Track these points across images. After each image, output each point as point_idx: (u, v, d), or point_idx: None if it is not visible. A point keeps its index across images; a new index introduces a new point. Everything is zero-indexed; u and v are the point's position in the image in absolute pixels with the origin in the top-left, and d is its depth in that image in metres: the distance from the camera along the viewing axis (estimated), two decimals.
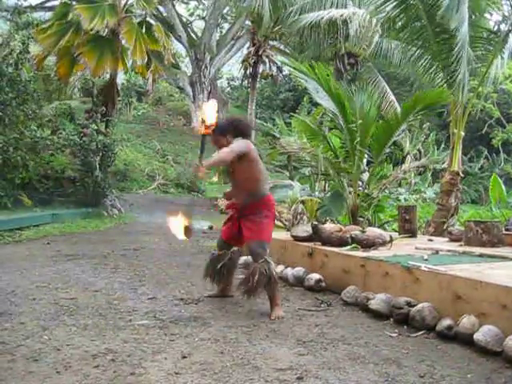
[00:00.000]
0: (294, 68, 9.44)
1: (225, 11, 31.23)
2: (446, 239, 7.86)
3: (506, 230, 7.88)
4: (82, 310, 4.97)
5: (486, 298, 4.23)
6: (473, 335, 4.06)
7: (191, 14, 36.00)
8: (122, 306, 5.20)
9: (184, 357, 3.74)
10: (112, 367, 3.52)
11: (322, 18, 14.66)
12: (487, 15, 10.19)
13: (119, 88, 18.50)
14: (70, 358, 3.67)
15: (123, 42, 15.07)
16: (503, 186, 14.44)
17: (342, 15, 14.46)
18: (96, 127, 14.67)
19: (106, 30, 15.09)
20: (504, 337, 3.92)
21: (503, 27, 9.94)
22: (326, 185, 11.93)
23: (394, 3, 9.60)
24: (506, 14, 9.63)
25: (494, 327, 4.02)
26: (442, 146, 25.76)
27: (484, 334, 4.00)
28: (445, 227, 9.35)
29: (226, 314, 4.96)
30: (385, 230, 9.09)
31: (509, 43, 9.58)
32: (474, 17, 9.32)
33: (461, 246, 6.92)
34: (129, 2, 15.62)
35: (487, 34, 10.14)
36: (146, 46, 14.93)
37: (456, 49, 8.68)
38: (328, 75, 8.78)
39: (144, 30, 15.44)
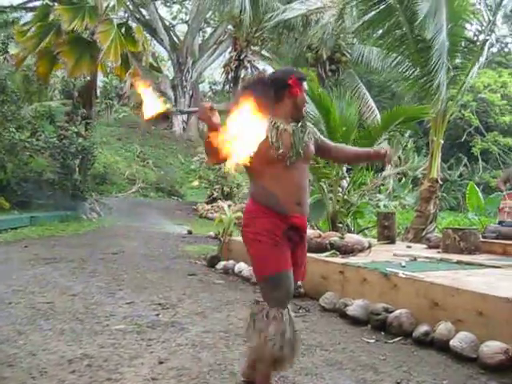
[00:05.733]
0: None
1: (208, 15, 31.23)
2: (425, 246, 7.92)
3: (484, 237, 7.97)
4: (58, 315, 4.92)
5: (462, 304, 4.27)
6: (449, 341, 4.10)
7: (174, 18, 36.00)
8: (99, 310, 5.16)
9: (161, 362, 3.72)
10: (88, 372, 3.50)
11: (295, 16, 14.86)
12: (467, 25, 10.30)
13: (100, 90, 18.41)
14: (45, 364, 3.63)
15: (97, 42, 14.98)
16: (480, 194, 14.60)
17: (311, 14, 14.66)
18: (76, 130, 14.57)
19: (87, 32, 15.04)
20: (479, 343, 3.96)
21: (482, 37, 10.04)
22: None
23: (376, 11, 9.69)
24: (484, 24, 9.72)
25: (469, 334, 4.06)
26: (423, 152, 25.94)
27: (460, 340, 4.03)
28: (423, 234, 9.41)
29: (204, 319, 4.95)
30: (364, 236, 9.14)
31: (486, 52, 9.71)
32: (452, 26, 9.41)
33: (439, 252, 6.99)
34: (111, 4, 15.58)
35: (466, 43, 10.25)
36: (122, 48, 14.87)
37: (434, 57, 8.78)
38: (311, 80, 8.83)
39: (124, 32, 15.39)
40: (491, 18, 9.77)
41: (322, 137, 3.51)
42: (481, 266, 5.95)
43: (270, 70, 28.81)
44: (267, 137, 3.03)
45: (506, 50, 36.75)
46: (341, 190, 9.30)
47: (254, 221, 3.15)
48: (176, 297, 5.89)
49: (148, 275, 7.25)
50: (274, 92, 3.18)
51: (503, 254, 7.49)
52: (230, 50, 23.57)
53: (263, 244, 3.07)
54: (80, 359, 3.74)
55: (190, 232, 12.69)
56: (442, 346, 4.16)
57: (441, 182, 10.16)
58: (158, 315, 5.07)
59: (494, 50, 35.08)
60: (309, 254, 6.30)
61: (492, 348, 3.84)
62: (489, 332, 4.01)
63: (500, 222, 8.76)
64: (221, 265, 7.88)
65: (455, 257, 6.42)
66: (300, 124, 3.26)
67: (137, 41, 15.14)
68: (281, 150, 3.08)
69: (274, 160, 3.07)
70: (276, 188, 3.08)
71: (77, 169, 14.28)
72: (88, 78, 16.16)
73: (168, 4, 35.19)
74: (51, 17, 14.66)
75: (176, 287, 6.38)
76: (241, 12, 17.64)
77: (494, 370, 3.76)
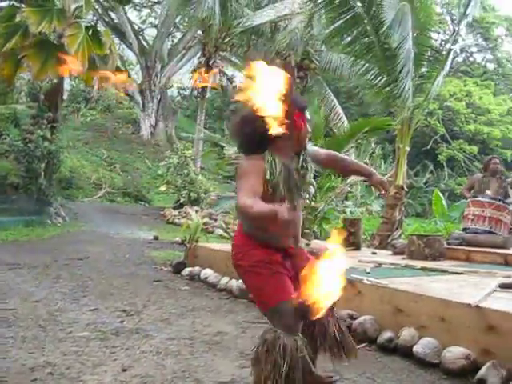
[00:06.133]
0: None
1: (177, 20, 31.12)
2: (390, 252, 8.00)
3: (448, 243, 8.08)
4: (21, 322, 4.85)
5: (425, 310, 4.32)
6: (412, 347, 4.14)
7: (143, 22, 35.75)
8: (62, 317, 5.10)
9: (124, 369, 3.69)
10: (50, 381, 3.45)
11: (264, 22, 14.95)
12: (434, 34, 10.48)
13: (67, 93, 18.22)
14: (6, 372, 3.57)
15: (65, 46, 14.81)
16: (444, 201, 14.80)
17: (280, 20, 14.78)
18: (41, 133, 14.38)
19: (54, 34, 14.86)
20: (442, 349, 4.02)
21: (448, 46, 10.22)
22: None
23: (344, 18, 9.78)
24: (449, 33, 9.92)
25: (432, 339, 4.11)
26: (390, 159, 26.22)
27: (423, 346, 4.08)
28: (389, 240, 9.51)
29: (169, 326, 4.92)
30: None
31: (451, 61, 9.87)
32: (418, 35, 9.55)
33: (404, 259, 7.07)
34: (80, 7, 15.41)
35: (432, 52, 10.41)
36: (90, 51, 14.73)
37: (400, 65, 8.90)
38: None
39: (91, 35, 15.22)
40: (456, 27, 9.94)
41: (314, 148, 3.37)
42: (444, 272, 6.04)
43: (238, 75, 28.92)
44: (268, 179, 2.91)
45: (471, 59, 37.41)
46: (308, 196, 9.35)
47: (247, 253, 3.04)
48: (141, 303, 5.85)
49: (113, 281, 7.18)
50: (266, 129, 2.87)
51: (466, 260, 7.61)
52: (198, 55, 23.55)
53: (260, 275, 2.97)
54: (42, 367, 3.69)
55: (156, 238, 12.60)
56: (405, 352, 4.20)
57: (407, 189, 10.28)
58: (122, 322, 5.02)
59: (460, 59, 35.72)
60: None
61: (454, 353, 3.89)
62: (451, 338, 4.06)
63: (464, 229, 8.88)
64: (187, 271, 7.84)
65: (420, 263, 6.50)
66: (302, 158, 3.12)
67: (104, 44, 14.99)
68: (282, 194, 2.92)
69: (276, 202, 2.81)
70: (275, 227, 2.81)
71: (42, 173, 14.07)
72: (55, 80, 15.96)
73: (137, 8, 34.99)
74: (18, 18, 14.45)
75: (141, 293, 6.33)
76: (210, 17, 17.66)
77: (456, 375, 3.82)
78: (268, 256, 3.00)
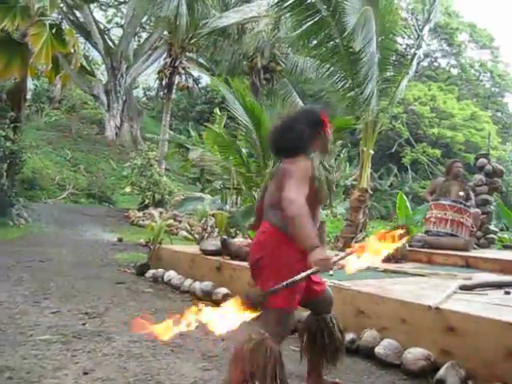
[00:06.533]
0: (215, 80, 9.53)
1: (143, 20, 30.94)
2: None
3: (410, 246, 8.19)
4: None
5: (386, 312, 4.38)
6: (374, 349, 4.19)
7: (109, 21, 35.42)
8: (23, 320, 5.02)
9: (85, 373, 3.66)
10: None
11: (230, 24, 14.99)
12: (400, 39, 10.60)
13: (30, 93, 17.95)
14: None
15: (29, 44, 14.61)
16: (408, 204, 14.93)
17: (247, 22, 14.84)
18: (4, 133, 14.15)
19: (17, 33, 14.66)
20: (403, 350, 4.07)
21: (412, 51, 10.36)
22: (239, 198, 11.98)
23: (310, 22, 9.82)
24: (413, 38, 10.05)
25: (393, 341, 4.16)
26: (355, 162, 26.43)
27: (384, 347, 4.13)
28: (353, 243, 9.57)
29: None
30: None
31: (416, 66, 10.01)
32: (383, 39, 9.65)
33: None
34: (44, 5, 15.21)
35: (397, 56, 10.52)
36: (54, 50, 14.56)
37: (364, 69, 8.97)
38: (244, 89, 8.87)
39: (54, 33, 15.04)
40: (420, 32, 10.07)
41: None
42: (406, 274, 6.12)
43: (204, 77, 28.88)
44: (316, 179, 3.12)
45: (435, 64, 37.99)
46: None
47: (276, 251, 3.09)
48: (103, 306, 5.80)
49: (75, 284, 7.10)
50: (310, 130, 3.22)
51: (428, 262, 7.73)
52: (164, 56, 23.45)
53: (282, 278, 2.93)
54: (1, 371, 3.62)
55: (120, 239, 12.51)
56: (367, 354, 4.25)
57: (371, 192, 10.36)
58: (84, 324, 4.97)
59: (425, 64, 36.24)
60: (238, 263, 6.36)
61: (415, 354, 3.95)
62: (412, 339, 4.12)
63: (426, 232, 9.01)
64: (150, 273, 7.80)
65: (382, 265, 6.57)
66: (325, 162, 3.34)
67: (67, 42, 14.83)
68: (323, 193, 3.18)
69: (319, 202, 3.22)
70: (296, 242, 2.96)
71: (4, 173, 13.86)
72: (17, 79, 15.72)
73: (103, 7, 34.67)
74: None
75: (104, 296, 6.28)
76: (176, 17, 17.61)
77: (416, 376, 3.88)
78: (294, 261, 3.05)
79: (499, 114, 37.49)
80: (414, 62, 10.13)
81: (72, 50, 15.21)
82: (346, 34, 8.80)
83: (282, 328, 3.11)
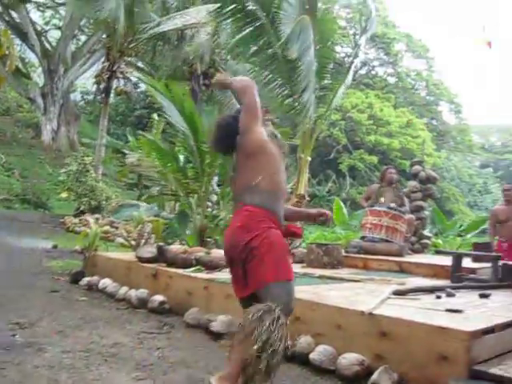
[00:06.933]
0: (151, 85, 9.39)
1: (82, 23, 30.37)
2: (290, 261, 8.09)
3: (346, 252, 8.29)
4: None
5: (321, 318, 4.40)
6: (309, 355, 4.19)
7: (47, 23, 34.60)
8: None
9: None
10: None
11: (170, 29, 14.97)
12: (338, 48, 10.77)
13: None
14: None
15: None
16: (345, 209, 15.19)
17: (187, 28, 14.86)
18: None
19: None
20: (337, 355, 4.09)
21: (350, 59, 10.56)
22: (176, 205, 11.87)
23: (249, 29, 9.86)
24: (351, 47, 10.24)
25: (328, 347, 4.18)
26: (291, 169, 26.64)
27: (319, 353, 4.14)
28: (289, 249, 9.62)
29: (64, 339, 4.74)
30: None
31: (353, 74, 10.17)
32: (321, 48, 9.77)
33: (303, 267, 7.17)
34: None
35: (335, 65, 10.68)
36: None
37: (301, 77, 9.06)
38: (184, 94, 8.79)
39: None
40: (358, 42, 10.26)
41: None
42: (342, 280, 6.18)
43: (143, 82, 28.52)
44: (272, 134, 3.52)
45: (373, 72, 38.76)
46: (210, 204, 9.33)
47: (264, 232, 3.21)
48: (36, 315, 5.61)
49: (7, 292, 6.84)
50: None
51: (364, 268, 7.84)
52: (103, 59, 23.09)
53: (280, 251, 3.24)
54: None
55: (55, 246, 12.19)
56: (302, 360, 4.25)
57: (309, 198, 10.45)
58: (14, 335, 4.79)
59: (363, 72, 36.94)
60: (174, 270, 6.29)
61: (349, 360, 3.98)
62: (346, 344, 4.15)
63: (362, 237, 9.14)
64: (85, 281, 7.60)
65: (318, 271, 6.62)
66: None
67: (2, 44, 14.45)
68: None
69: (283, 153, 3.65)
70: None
71: None
72: None
73: (41, 8, 33.85)
74: None
75: (36, 305, 6.08)
76: (114, 21, 17.36)
77: (350, 381, 3.90)
78: (282, 238, 3.33)
79: (434, 122, 38.58)
80: (352, 71, 10.32)
81: (7, 52, 14.83)
82: (281, 41, 8.86)
83: (290, 298, 3.26)
